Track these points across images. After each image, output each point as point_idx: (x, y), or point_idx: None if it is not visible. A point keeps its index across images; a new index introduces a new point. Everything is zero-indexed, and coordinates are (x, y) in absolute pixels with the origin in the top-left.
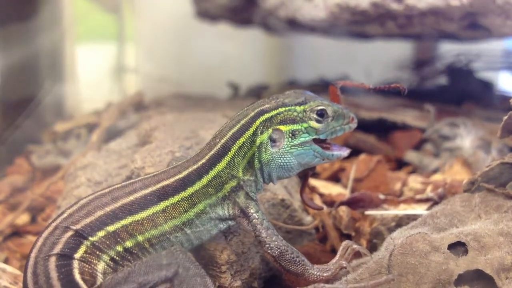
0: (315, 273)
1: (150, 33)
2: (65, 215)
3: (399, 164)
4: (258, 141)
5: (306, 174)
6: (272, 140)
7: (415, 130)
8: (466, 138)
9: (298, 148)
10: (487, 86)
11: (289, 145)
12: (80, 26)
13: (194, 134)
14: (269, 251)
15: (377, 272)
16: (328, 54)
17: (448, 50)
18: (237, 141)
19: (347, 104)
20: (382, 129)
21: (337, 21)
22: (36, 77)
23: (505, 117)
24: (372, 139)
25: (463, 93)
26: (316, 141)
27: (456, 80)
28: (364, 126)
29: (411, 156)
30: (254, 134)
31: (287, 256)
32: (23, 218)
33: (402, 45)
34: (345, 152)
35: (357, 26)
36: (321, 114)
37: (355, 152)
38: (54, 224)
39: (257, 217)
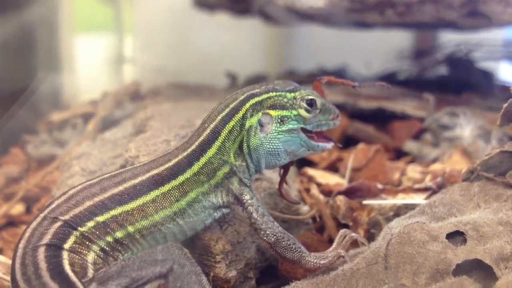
0: (312, 260)
1: (148, 22)
2: (53, 205)
3: (398, 153)
4: (247, 124)
5: (286, 167)
6: (261, 125)
7: (414, 119)
8: (466, 128)
9: (286, 135)
10: (487, 75)
11: (277, 131)
12: (77, 16)
13: (190, 123)
14: (265, 238)
15: (374, 261)
16: (327, 44)
17: (448, 40)
18: (227, 125)
19: (347, 92)
20: (381, 118)
21: (336, 9)
22: (33, 67)
23: (505, 105)
24: (370, 128)
25: (463, 82)
26: (303, 131)
27: (456, 69)
28: (363, 115)
29: (410, 145)
30: (244, 117)
31: (283, 243)
32: (18, 208)
33: (402, 34)
34: (330, 144)
35: (356, 14)
36: (311, 104)
37: (354, 141)
38: (42, 215)
39: (252, 203)
